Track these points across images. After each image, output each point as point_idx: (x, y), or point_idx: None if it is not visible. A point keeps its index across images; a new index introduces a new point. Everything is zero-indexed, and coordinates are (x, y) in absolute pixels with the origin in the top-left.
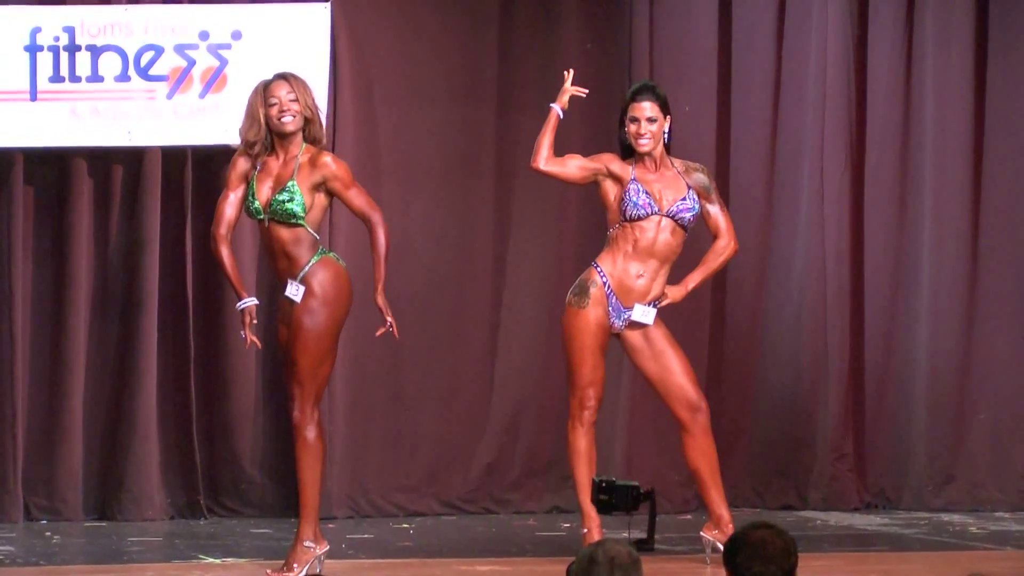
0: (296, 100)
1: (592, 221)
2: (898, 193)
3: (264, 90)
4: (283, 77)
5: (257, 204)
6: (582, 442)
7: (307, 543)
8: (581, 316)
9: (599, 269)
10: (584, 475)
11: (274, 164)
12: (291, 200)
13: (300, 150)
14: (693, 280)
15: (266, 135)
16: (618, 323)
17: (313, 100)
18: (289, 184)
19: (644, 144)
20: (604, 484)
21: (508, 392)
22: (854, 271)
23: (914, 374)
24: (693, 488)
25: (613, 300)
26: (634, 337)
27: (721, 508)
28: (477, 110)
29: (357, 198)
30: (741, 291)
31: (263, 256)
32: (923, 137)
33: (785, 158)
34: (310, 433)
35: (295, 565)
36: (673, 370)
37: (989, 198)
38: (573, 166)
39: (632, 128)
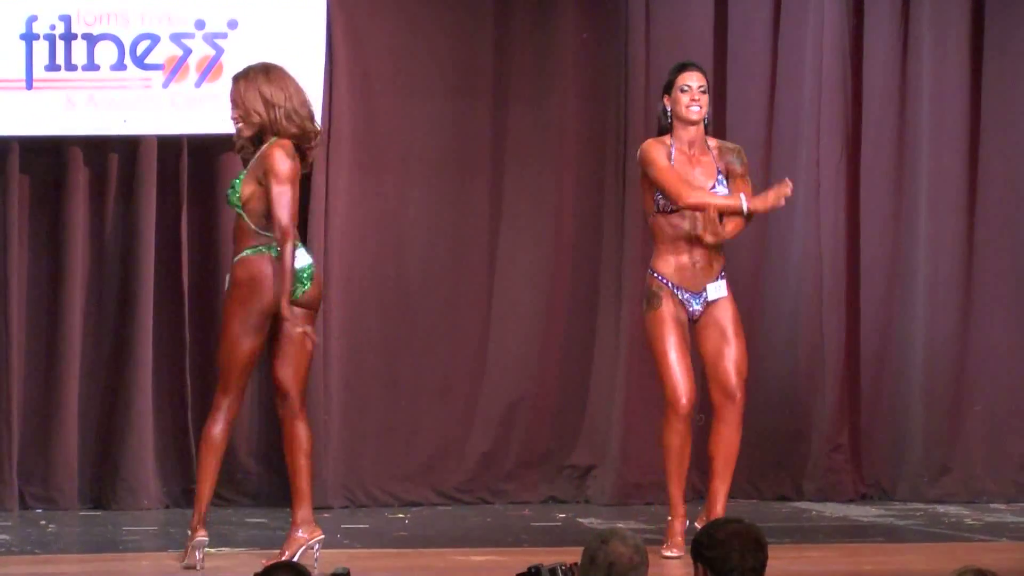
0: (235, 106)
1: (587, 213)
2: (894, 186)
3: None
4: (233, 79)
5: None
6: (674, 438)
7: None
8: (657, 316)
9: (656, 274)
10: (673, 468)
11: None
12: (231, 189)
13: (270, 141)
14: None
15: None
16: (699, 308)
17: (255, 96)
18: (240, 174)
19: (695, 112)
20: (532, 570)
21: (503, 383)
22: (850, 263)
23: (910, 366)
24: (689, 480)
25: (684, 295)
26: (706, 314)
27: (718, 504)
28: (473, 102)
29: (279, 198)
30: (737, 283)
31: None
32: (919, 130)
33: (781, 150)
34: (209, 426)
35: (286, 552)
36: (725, 355)
37: (985, 191)
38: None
39: (684, 98)
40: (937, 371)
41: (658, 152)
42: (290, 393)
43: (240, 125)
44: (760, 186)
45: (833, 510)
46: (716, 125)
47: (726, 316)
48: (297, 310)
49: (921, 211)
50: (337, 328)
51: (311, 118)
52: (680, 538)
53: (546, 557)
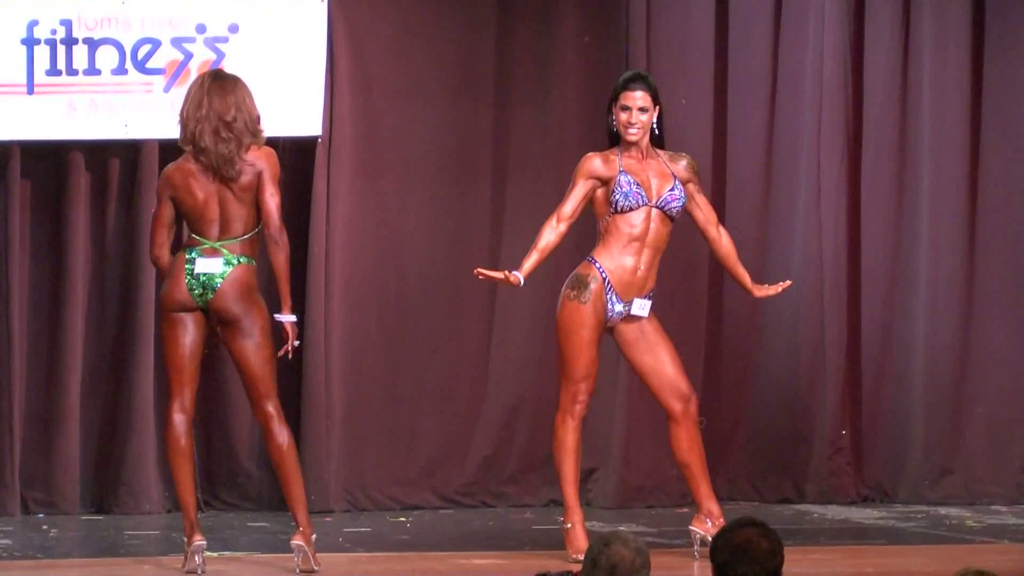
0: None
1: (588, 217)
2: (895, 189)
3: None
4: None
5: None
6: (571, 436)
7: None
8: (581, 311)
9: (597, 264)
10: (571, 469)
11: None
12: None
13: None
14: (750, 282)
15: None
16: (616, 317)
17: (183, 107)
18: None
19: (633, 134)
20: None
21: (505, 386)
22: (851, 266)
23: (911, 368)
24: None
25: (612, 295)
26: (629, 330)
27: (711, 502)
28: (474, 105)
29: None
30: (738, 286)
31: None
32: (920, 133)
33: (782, 153)
34: (167, 433)
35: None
36: (666, 361)
37: (986, 193)
38: (576, 210)
39: (623, 117)
40: (938, 373)
41: (587, 168)
42: None
43: None
44: (758, 192)
45: (835, 512)
46: (717, 130)
47: (653, 327)
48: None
49: (922, 214)
50: (338, 332)
51: (193, 137)
52: (585, 541)
53: (548, 561)
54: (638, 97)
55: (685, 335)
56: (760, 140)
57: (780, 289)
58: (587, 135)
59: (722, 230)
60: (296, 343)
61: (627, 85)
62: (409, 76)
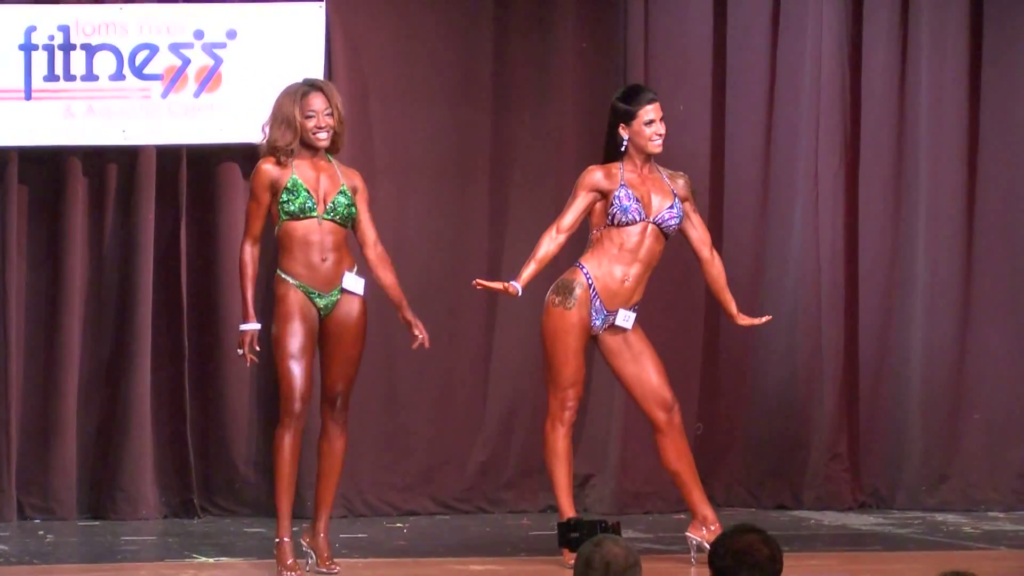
0: (331, 114)
1: (586, 222)
2: (893, 193)
3: (301, 99)
4: (320, 88)
5: (313, 202)
6: (562, 443)
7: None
8: (567, 317)
9: (584, 270)
10: (563, 475)
11: (312, 165)
12: (352, 204)
13: (329, 157)
14: (735, 309)
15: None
16: (599, 325)
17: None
18: (344, 187)
19: (659, 145)
20: (572, 522)
21: (502, 391)
22: (848, 271)
23: (908, 374)
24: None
25: (597, 302)
26: (613, 340)
27: (706, 508)
28: (472, 110)
29: (367, 214)
30: (736, 290)
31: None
32: (918, 137)
33: (780, 158)
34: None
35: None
36: (650, 371)
37: (983, 198)
38: (576, 222)
39: (648, 131)
40: (935, 379)
41: (589, 181)
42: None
43: (325, 136)
44: (756, 197)
45: (832, 519)
46: (715, 135)
47: (637, 336)
48: None
49: (919, 219)
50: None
51: None
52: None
53: (545, 567)
54: (659, 107)
55: (682, 341)
56: (758, 145)
57: (762, 321)
58: (585, 140)
59: (715, 253)
60: (255, 350)
61: (645, 99)
62: (407, 81)
